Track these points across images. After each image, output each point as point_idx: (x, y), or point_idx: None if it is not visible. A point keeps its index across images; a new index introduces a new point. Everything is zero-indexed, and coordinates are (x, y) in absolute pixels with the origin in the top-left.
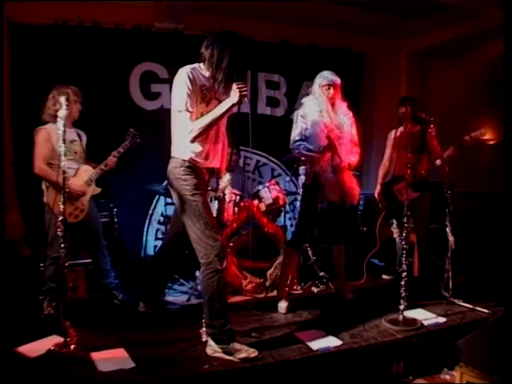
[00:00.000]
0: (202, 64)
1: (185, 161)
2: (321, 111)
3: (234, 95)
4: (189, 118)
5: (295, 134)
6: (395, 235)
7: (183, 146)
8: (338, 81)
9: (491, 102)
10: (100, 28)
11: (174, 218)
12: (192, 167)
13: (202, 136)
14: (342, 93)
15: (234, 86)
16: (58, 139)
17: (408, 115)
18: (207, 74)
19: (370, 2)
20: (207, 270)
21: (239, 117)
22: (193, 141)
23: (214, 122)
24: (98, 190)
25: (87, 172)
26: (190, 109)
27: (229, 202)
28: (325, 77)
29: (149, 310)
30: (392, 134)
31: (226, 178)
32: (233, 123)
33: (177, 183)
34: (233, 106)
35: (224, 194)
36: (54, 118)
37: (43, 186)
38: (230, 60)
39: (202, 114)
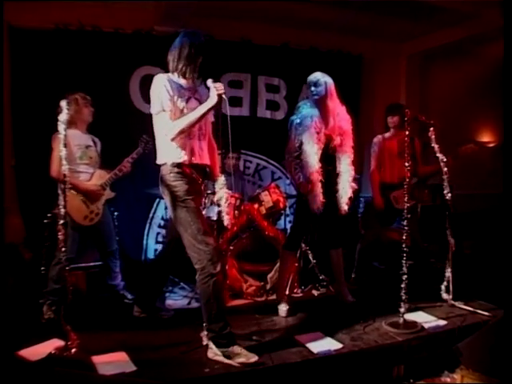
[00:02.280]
0: (173, 73)
1: (173, 166)
2: (313, 116)
3: (213, 95)
4: (168, 117)
5: (289, 146)
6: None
7: (168, 150)
8: (316, 78)
9: (491, 105)
10: (100, 32)
11: (171, 224)
12: (182, 172)
13: (182, 134)
14: (337, 96)
15: (212, 86)
16: (74, 144)
17: (402, 122)
18: (179, 79)
19: (370, 4)
20: (202, 274)
21: (220, 117)
22: (173, 139)
23: (196, 122)
24: (113, 194)
25: (102, 177)
26: (169, 108)
27: (228, 204)
28: (309, 76)
29: (144, 314)
30: (378, 141)
31: (220, 180)
32: (226, 126)
33: (167, 190)
34: (213, 107)
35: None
36: (69, 124)
37: (59, 190)
38: (189, 50)
39: (183, 111)
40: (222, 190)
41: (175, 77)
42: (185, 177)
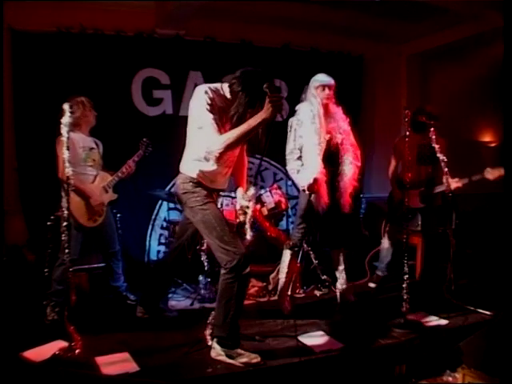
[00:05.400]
0: (225, 85)
1: (192, 177)
2: (314, 117)
3: (268, 109)
4: (216, 131)
5: (290, 148)
6: (387, 240)
7: (192, 164)
8: (331, 82)
9: (492, 105)
10: (102, 35)
11: (180, 229)
12: (199, 183)
13: (230, 149)
14: (337, 97)
15: (267, 100)
16: (79, 146)
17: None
18: (229, 96)
19: (370, 5)
20: (229, 274)
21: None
22: (219, 154)
23: (243, 138)
24: (115, 196)
25: (105, 179)
26: (211, 123)
27: (251, 218)
28: (318, 79)
29: (147, 315)
30: (400, 143)
31: (249, 192)
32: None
33: (186, 197)
34: (264, 121)
35: (247, 209)
36: (74, 126)
37: (62, 192)
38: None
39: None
40: (249, 203)
41: (225, 89)
42: (202, 186)
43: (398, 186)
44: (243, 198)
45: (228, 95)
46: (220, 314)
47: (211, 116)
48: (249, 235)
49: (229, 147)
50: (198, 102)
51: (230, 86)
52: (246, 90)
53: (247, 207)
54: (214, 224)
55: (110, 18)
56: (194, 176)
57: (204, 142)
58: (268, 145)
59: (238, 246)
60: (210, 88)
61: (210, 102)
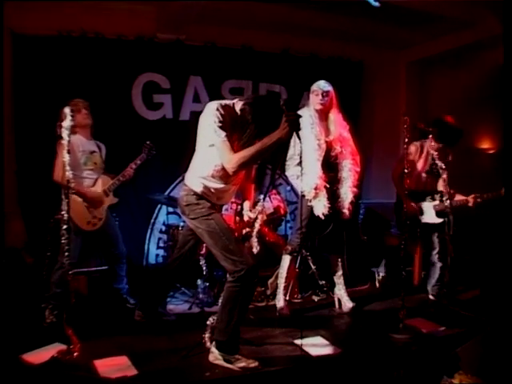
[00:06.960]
0: (237, 103)
1: (197, 192)
2: (313, 122)
3: (284, 129)
4: (229, 149)
5: (290, 153)
6: None
7: (198, 181)
8: (327, 88)
9: (490, 111)
10: (103, 38)
11: (182, 240)
12: (202, 195)
13: (241, 170)
14: (337, 104)
15: (284, 118)
16: (78, 150)
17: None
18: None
19: (369, 12)
20: (236, 282)
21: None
22: (232, 173)
23: (258, 157)
24: (116, 199)
25: (105, 182)
26: (223, 140)
27: (258, 231)
28: (314, 85)
29: (144, 319)
30: (415, 148)
31: (258, 206)
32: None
33: (189, 209)
34: (280, 140)
35: (255, 221)
36: (74, 130)
37: (62, 195)
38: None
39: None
40: (258, 216)
41: (236, 107)
42: (206, 198)
43: (410, 198)
44: (251, 211)
45: (238, 112)
46: (223, 320)
47: (224, 134)
48: (255, 248)
49: (242, 166)
50: (210, 119)
51: (240, 110)
52: (255, 122)
53: (256, 219)
54: (219, 234)
55: (110, 22)
56: (199, 192)
57: (215, 160)
58: (281, 161)
59: (244, 255)
60: (220, 105)
61: (221, 119)
